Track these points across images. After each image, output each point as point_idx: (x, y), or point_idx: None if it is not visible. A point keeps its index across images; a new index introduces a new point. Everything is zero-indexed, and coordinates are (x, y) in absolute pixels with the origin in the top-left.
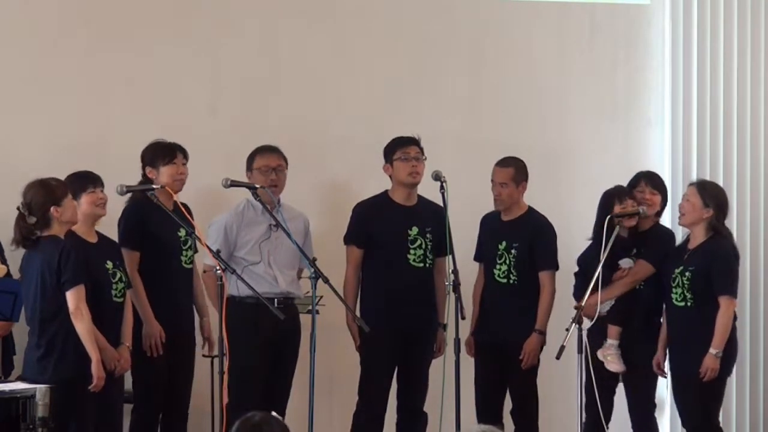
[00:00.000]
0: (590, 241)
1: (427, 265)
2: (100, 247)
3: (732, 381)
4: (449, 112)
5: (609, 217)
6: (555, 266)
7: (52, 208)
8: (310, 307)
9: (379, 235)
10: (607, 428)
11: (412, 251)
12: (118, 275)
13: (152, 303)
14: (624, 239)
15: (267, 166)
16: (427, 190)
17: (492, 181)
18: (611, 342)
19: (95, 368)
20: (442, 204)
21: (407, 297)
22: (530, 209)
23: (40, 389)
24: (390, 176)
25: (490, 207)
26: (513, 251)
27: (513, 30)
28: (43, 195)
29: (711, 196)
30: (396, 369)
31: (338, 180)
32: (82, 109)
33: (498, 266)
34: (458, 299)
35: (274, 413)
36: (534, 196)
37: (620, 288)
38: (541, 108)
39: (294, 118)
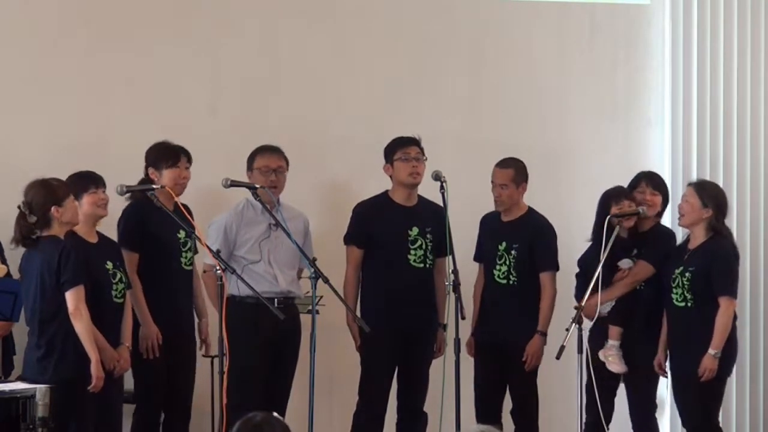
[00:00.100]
0: (590, 243)
1: (428, 265)
2: (101, 247)
3: (732, 381)
4: (449, 112)
5: (608, 217)
6: (555, 267)
7: (52, 208)
8: (310, 307)
9: (380, 235)
10: (608, 429)
11: (412, 251)
12: (119, 276)
13: (152, 304)
14: (623, 240)
15: (267, 166)
16: (428, 190)
17: (492, 182)
18: (612, 343)
19: (94, 368)
20: (442, 204)
21: (407, 297)
22: (530, 210)
23: (40, 389)
24: (390, 176)
25: (490, 207)
26: (513, 252)
27: (513, 30)
28: (45, 195)
29: (710, 197)
30: (396, 369)
31: (338, 180)
32: (82, 109)
33: (498, 267)
34: (458, 299)
35: (275, 414)
36: (534, 196)
37: (621, 289)
38: (541, 108)
39: (294, 118)
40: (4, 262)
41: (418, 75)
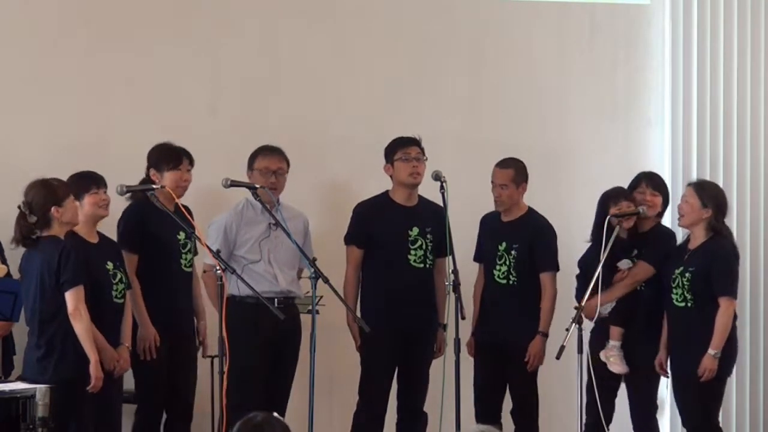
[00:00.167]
0: (589, 244)
1: (428, 265)
2: (101, 247)
3: (732, 381)
4: (449, 112)
5: (608, 217)
6: (556, 267)
7: (52, 209)
8: (310, 307)
9: (380, 235)
10: (608, 429)
11: (412, 251)
12: (119, 276)
13: (152, 305)
14: (623, 240)
15: (267, 168)
16: (428, 190)
17: (492, 182)
18: (613, 343)
19: (93, 369)
20: (442, 204)
21: (407, 297)
22: (530, 210)
23: (40, 389)
24: (391, 176)
25: (490, 207)
26: (513, 252)
27: (513, 30)
28: (45, 195)
29: (709, 197)
30: (396, 369)
31: (338, 180)
32: (82, 109)
33: (498, 267)
34: (458, 299)
35: (275, 414)
36: (534, 196)
37: (621, 290)
38: (541, 108)
39: (294, 118)
40: (5, 262)
41: (418, 75)
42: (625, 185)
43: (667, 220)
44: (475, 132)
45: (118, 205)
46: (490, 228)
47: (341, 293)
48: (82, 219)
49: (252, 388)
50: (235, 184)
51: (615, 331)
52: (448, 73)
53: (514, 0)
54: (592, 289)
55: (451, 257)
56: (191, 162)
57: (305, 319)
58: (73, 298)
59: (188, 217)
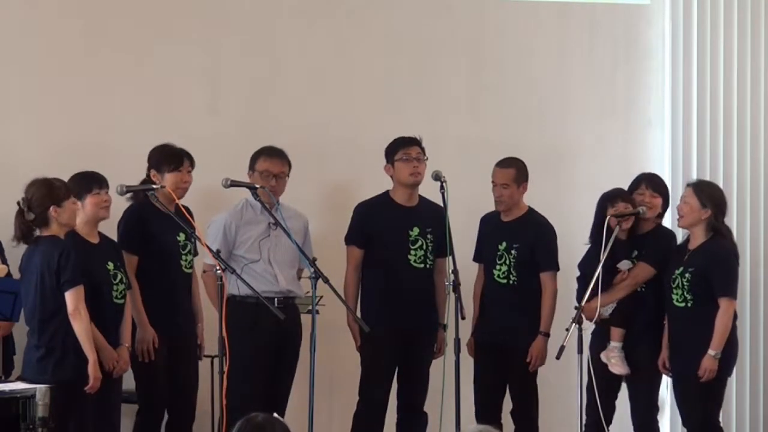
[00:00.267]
0: (588, 246)
1: (428, 265)
2: (102, 247)
3: (732, 381)
4: (449, 112)
5: (608, 217)
6: (556, 267)
7: (51, 208)
8: (310, 307)
9: (380, 235)
10: (608, 430)
11: (413, 252)
12: (119, 276)
13: (152, 306)
14: (622, 241)
15: (269, 171)
16: (428, 190)
17: (492, 182)
18: (614, 344)
19: (92, 369)
20: (442, 204)
21: (407, 297)
22: (530, 210)
23: (40, 389)
24: (391, 177)
25: (490, 207)
26: (513, 252)
27: (513, 30)
28: (44, 194)
29: (708, 197)
30: (396, 369)
31: (338, 180)
32: (82, 109)
33: (498, 267)
34: (458, 299)
35: (275, 414)
36: (534, 196)
37: (622, 291)
38: (541, 108)
39: (294, 118)
40: (5, 262)
41: (418, 75)
42: (625, 185)
43: (668, 221)
44: (475, 132)
45: (119, 205)
46: (490, 228)
47: (341, 293)
48: (83, 219)
49: (252, 388)
50: (235, 184)
51: (616, 332)
52: (448, 73)
53: (514, 0)
54: (592, 290)
55: (451, 257)
56: (192, 163)
57: (305, 319)
58: (73, 298)
59: (188, 217)
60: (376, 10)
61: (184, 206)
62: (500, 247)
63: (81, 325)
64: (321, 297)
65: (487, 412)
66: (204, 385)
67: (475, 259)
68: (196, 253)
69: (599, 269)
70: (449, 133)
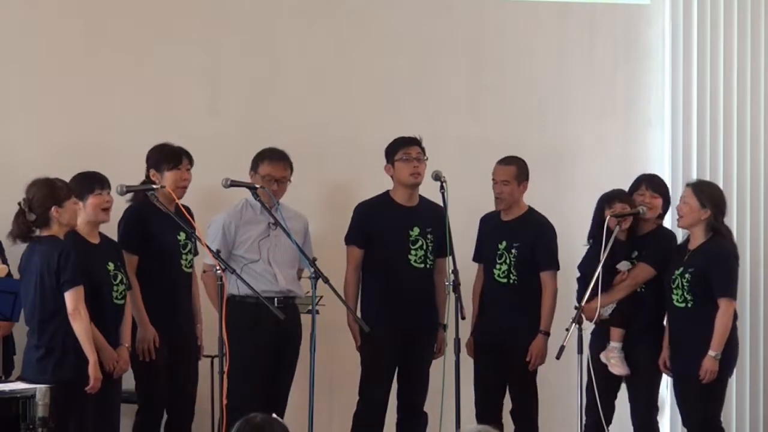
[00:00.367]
0: (587, 247)
1: (428, 265)
2: (102, 248)
3: (732, 381)
4: (449, 112)
5: (608, 217)
6: (556, 266)
7: (52, 208)
8: (310, 307)
9: (381, 235)
10: (608, 430)
11: (413, 252)
12: (119, 277)
13: (152, 306)
14: (621, 242)
15: (271, 176)
16: (428, 190)
17: (493, 179)
18: (614, 345)
19: (92, 369)
20: (442, 204)
21: (408, 297)
22: (530, 209)
23: (40, 389)
24: (391, 177)
25: (490, 207)
26: (513, 251)
27: (513, 30)
28: (46, 194)
29: (708, 197)
30: (396, 369)
31: (339, 180)
32: (82, 109)
33: (498, 266)
34: (458, 299)
35: (274, 415)
36: (534, 196)
37: (622, 291)
38: (541, 108)
39: (294, 119)
40: (5, 262)
41: (418, 75)
42: (625, 186)
43: (668, 222)
44: (475, 132)
45: (119, 205)
46: (490, 227)
47: (341, 293)
48: (84, 219)
49: (252, 388)
50: (235, 184)
51: (616, 332)
52: (448, 73)
53: (514, 0)
54: (592, 291)
55: (451, 257)
56: (191, 161)
57: (305, 319)
58: (72, 299)
59: (188, 217)
60: (376, 10)
61: (184, 206)
62: (500, 246)
63: (81, 325)
64: (321, 297)
65: (488, 412)
66: (204, 385)
67: (475, 259)
68: (196, 253)
69: (599, 270)
70: (449, 133)
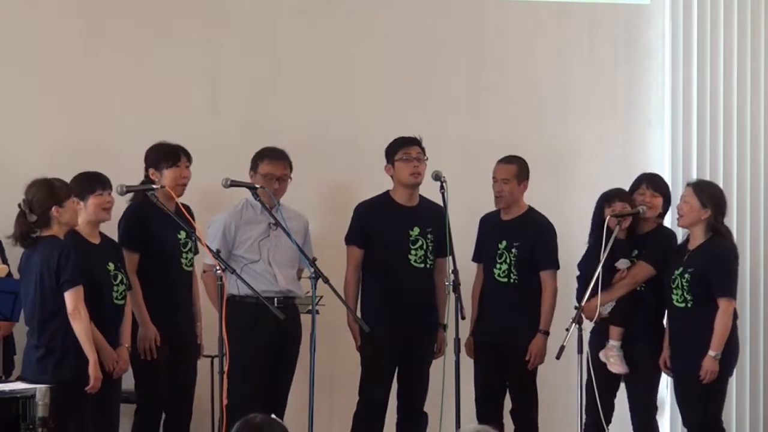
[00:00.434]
0: (587, 245)
1: (428, 265)
2: (103, 248)
3: (732, 381)
4: (449, 112)
5: (608, 217)
6: (556, 265)
7: (53, 208)
8: (310, 307)
9: (381, 235)
10: (608, 429)
11: (413, 251)
12: (120, 277)
13: (152, 304)
14: (621, 240)
15: (271, 174)
16: (428, 190)
17: (494, 178)
18: (613, 343)
19: (92, 369)
20: (442, 204)
21: (408, 297)
22: (530, 209)
23: (40, 389)
24: (391, 177)
25: (490, 207)
26: (513, 250)
27: (513, 30)
28: (46, 194)
29: (708, 196)
30: (396, 369)
31: (339, 180)
32: (82, 109)
33: (498, 265)
34: (458, 299)
35: (273, 416)
36: (534, 196)
37: (621, 290)
38: (541, 108)
39: (294, 119)
40: (5, 262)
41: (418, 75)
42: (625, 185)
43: (669, 221)
44: (475, 132)
45: (119, 205)
46: (490, 227)
47: (341, 293)
48: (85, 219)
49: (252, 388)
50: (235, 184)
51: (615, 331)
52: (448, 73)
53: (514, 0)
54: (592, 290)
55: (451, 257)
56: (189, 159)
57: (305, 319)
58: (72, 298)
59: (188, 217)
60: (376, 10)
61: (184, 205)
62: (500, 245)
63: (81, 325)
64: (321, 297)
65: (488, 411)
66: (204, 385)
67: (474, 259)
68: (196, 252)
69: (599, 270)
70: (449, 133)
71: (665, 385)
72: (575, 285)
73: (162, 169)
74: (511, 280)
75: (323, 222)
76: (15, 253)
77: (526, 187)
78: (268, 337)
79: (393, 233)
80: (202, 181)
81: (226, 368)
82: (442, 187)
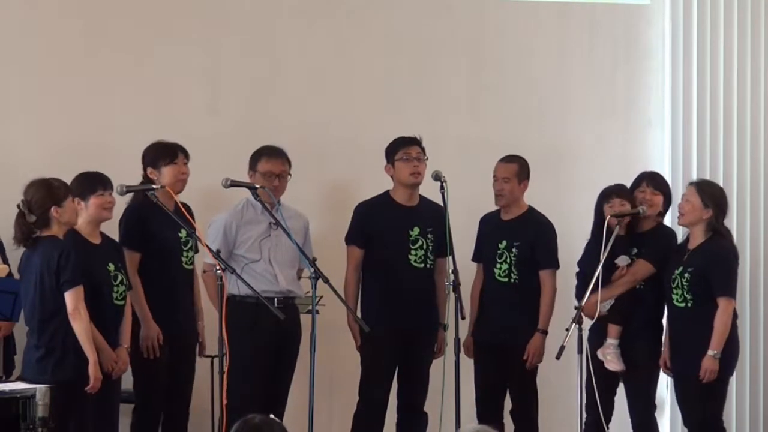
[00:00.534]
0: (587, 242)
1: (428, 265)
2: (103, 248)
3: (732, 381)
4: (449, 112)
5: (608, 217)
6: (556, 265)
7: (52, 209)
8: (310, 307)
9: (381, 235)
10: (608, 428)
11: (413, 251)
12: (120, 278)
13: (153, 303)
14: (621, 237)
15: (271, 172)
16: (428, 190)
17: (494, 177)
18: (611, 341)
19: (92, 369)
20: (442, 204)
21: (408, 297)
22: (530, 208)
23: (40, 389)
24: (391, 176)
25: (490, 207)
26: (514, 250)
27: (513, 30)
28: (44, 194)
29: (710, 196)
30: (396, 369)
31: (339, 180)
32: (82, 109)
33: (498, 265)
34: (458, 299)
35: (272, 416)
36: (534, 196)
37: (620, 287)
38: (541, 108)
39: (294, 119)
40: (6, 262)
41: (418, 75)
42: (625, 185)
43: (668, 220)
44: (475, 132)
45: (119, 205)
46: (491, 227)
47: (341, 293)
48: (86, 219)
49: (252, 388)
50: (235, 184)
51: (613, 329)
52: (448, 73)
53: (514, 0)
54: (592, 288)
55: (451, 257)
56: (186, 156)
57: (305, 319)
58: (72, 299)
59: (188, 216)
60: (376, 10)
61: (184, 204)
62: (500, 245)
63: (81, 325)
64: (321, 297)
65: (488, 411)
66: (204, 385)
67: (474, 258)
68: (197, 250)
69: (599, 269)
70: (449, 133)
71: (665, 385)
72: (575, 284)
73: (160, 167)
74: (512, 280)
75: (323, 222)
76: (15, 253)
77: (527, 186)
78: (268, 337)
79: (393, 233)
80: (202, 181)
81: (226, 368)
82: (442, 187)
